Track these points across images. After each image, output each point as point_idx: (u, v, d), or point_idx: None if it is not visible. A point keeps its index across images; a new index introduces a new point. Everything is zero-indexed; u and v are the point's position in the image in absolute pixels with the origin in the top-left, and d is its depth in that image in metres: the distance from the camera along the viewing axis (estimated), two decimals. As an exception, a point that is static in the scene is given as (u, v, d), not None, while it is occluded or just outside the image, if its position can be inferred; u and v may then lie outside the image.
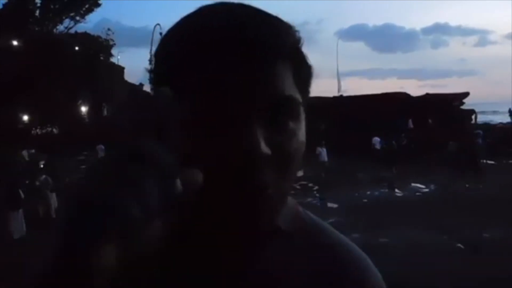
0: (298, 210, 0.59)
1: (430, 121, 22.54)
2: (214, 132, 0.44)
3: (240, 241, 0.49)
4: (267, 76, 0.45)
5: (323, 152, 15.71)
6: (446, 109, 24.49)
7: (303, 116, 0.49)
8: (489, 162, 17.96)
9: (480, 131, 19.66)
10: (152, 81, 0.49)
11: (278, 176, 0.45)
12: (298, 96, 0.48)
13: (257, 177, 0.43)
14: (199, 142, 0.44)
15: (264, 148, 0.43)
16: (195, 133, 0.44)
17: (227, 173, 0.43)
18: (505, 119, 30.49)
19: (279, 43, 0.45)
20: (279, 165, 0.45)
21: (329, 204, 11.28)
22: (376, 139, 19.62)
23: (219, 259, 0.51)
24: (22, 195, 8.85)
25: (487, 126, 24.72)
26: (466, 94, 27.09)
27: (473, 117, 26.86)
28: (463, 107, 26.99)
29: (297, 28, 0.49)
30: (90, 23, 41.15)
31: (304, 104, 0.50)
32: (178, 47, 0.46)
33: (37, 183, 8.86)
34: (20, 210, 8.67)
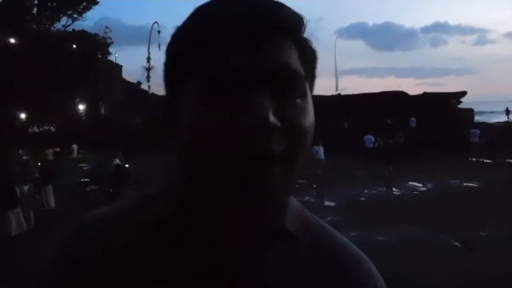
0: (303, 212, 0.59)
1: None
2: (224, 106, 0.44)
3: (247, 222, 0.47)
4: (273, 51, 0.46)
5: (320, 150, 15.72)
6: (444, 108, 24.54)
7: (310, 97, 0.49)
8: (485, 160, 18.02)
9: (477, 130, 19.71)
10: (166, 64, 0.51)
11: (287, 151, 0.45)
12: (303, 74, 0.48)
13: (266, 147, 0.43)
14: (210, 116, 0.44)
15: (272, 118, 0.43)
16: (206, 108, 0.45)
17: (236, 145, 0.43)
18: (502, 118, 30.57)
19: (284, 21, 0.47)
20: (288, 139, 0.45)
21: (327, 203, 11.28)
22: (368, 137, 19.58)
23: (223, 257, 0.50)
24: (19, 193, 8.83)
25: (484, 125, 24.76)
26: (463, 93, 27.16)
27: (469, 116, 26.91)
28: (460, 106, 27.07)
29: (301, 14, 0.50)
30: (91, 21, 41.12)
31: (310, 86, 0.51)
32: (191, 31, 0.48)
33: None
34: (18, 208, 8.66)
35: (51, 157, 18.56)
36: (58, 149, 20.36)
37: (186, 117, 0.46)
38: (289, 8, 0.49)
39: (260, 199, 0.44)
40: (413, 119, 23.46)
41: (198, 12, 0.49)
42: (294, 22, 0.49)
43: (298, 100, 0.47)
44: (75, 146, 21.27)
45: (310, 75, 0.51)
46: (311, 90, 0.51)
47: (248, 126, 0.43)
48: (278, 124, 0.43)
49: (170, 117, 0.50)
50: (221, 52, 0.45)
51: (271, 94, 0.45)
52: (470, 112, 27.31)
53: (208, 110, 0.44)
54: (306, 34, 0.51)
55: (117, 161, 10.82)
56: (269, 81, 0.45)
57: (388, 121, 23.43)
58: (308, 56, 0.50)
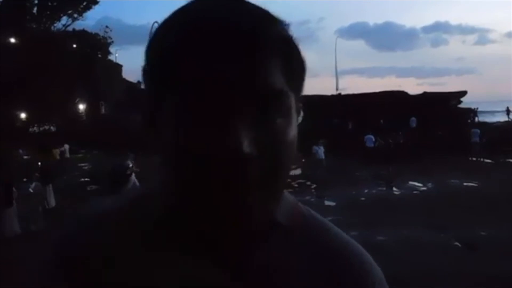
0: (298, 206, 0.58)
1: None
2: (200, 129, 0.43)
3: (229, 242, 0.48)
4: (252, 69, 0.43)
5: (319, 150, 15.73)
6: (444, 107, 24.54)
7: (294, 112, 0.48)
8: (486, 160, 18.01)
9: (478, 130, 19.70)
10: (143, 76, 0.49)
11: (267, 175, 0.44)
12: (288, 90, 0.46)
13: (242, 177, 0.42)
14: (186, 138, 0.43)
15: (248, 148, 0.42)
16: (183, 129, 0.44)
17: (212, 172, 0.43)
18: (503, 117, 30.58)
19: (265, 35, 0.44)
20: (267, 164, 0.44)
21: (327, 202, 11.29)
22: (368, 137, 19.59)
23: (215, 256, 0.50)
24: (16, 193, 8.87)
25: (484, 125, 24.75)
26: (463, 93, 27.16)
27: (471, 115, 26.91)
28: (461, 105, 27.06)
29: (286, 22, 0.48)
30: (92, 21, 41.18)
31: (297, 99, 0.49)
32: (163, 41, 0.46)
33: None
34: (14, 207, 8.69)
35: (58, 157, 18.63)
36: (63, 149, 20.45)
37: (167, 128, 0.45)
38: (276, 19, 0.47)
39: (240, 218, 0.44)
40: (413, 119, 23.45)
41: (180, 18, 0.47)
42: (282, 35, 0.47)
43: (280, 119, 0.45)
44: (66, 146, 21.23)
45: (296, 87, 0.49)
46: (299, 101, 0.50)
47: (223, 156, 0.42)
48: (255, 152, 0.42)
49: (153, 121, 0.49)
50: (203, 67, 0.43)
51: (252, 115, 0.43)
52: (474, 111, 27.29)
53: (187, 129, 0.44)
54: (295, 42, 0.48)
55: (129, 162, 10.83)
56: (251, 101, 0.43)
57: (381, 121, 23.46)
58: (294, 68, 0.48)
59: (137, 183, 10.58)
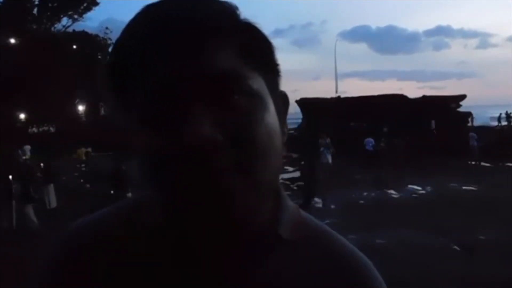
0: (301, 216, 0.56)
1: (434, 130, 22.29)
2: (159, 124, 0.42)
3: (217, 235, 0.46)
4: (203, 56, 0.42)
5: (327, 154, 15.57)
6: (443, 111, 24.54)
7: (265, 94, 0.46)
8: (483, 164, 18.02)
9: (475, 134, 19.69)
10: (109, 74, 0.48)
11: (243, 159, 0.42)
12: (244, 70, 0.44)
13: (210, 164, 0.41)
14: (148, 135, 0.43)
15: (210, 132, 0.40)
16: (144, 126, 0.43)
17: (179, 165, 0.41)
18: (503, 121, 30.61)
19: (207, 19, 0.43)
20: (240, 147, 0.42)
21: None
22: (368, 140, 19.57)
23: (212, 265, 0.49)
24: (19, 186, 8.93)
25: (484, 129, 24.76)
26: (463, 97, 27.19)
27: (469, 119, 26.94)
28: (460, 109, 27.09)
29: (234, 5, 0.47)
30: (95, 22, 41.38)
31: (270, 82, 0.48)
32: (120, 44, 0.46)
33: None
34: (13, 201, 8.76)
35: (83, 157, 18.38)
36: (90, 149, 20.21)
37: (132, 131, 0.45)
38: (222, 3, 0.46)
39: (222, 215, 0.42)
40: (433, 121, 23.40)
41: (132, 21, 0.46)
42: (227, 17, 0.45)
43: (243, 102, 0.43)
44: (27, 147, 20.89)
45: (264, 69, 0.47)
46: (273, 84, 0.48)
47: (188, 147, 0.40)
48: (219, 137, 0.41)
49: (121, 125, 0.48)
50: (148, 68, 0.42)
51: (210, 104, 0.42)
52: (469, 115, 27.32)
53: (148, 129, 0.43)
54: (250, 23, 0.47)
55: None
56: (204, 91, 0.42)
57: (352, 123, 23.47)
58: (255, 48, 0.46)
59: None
